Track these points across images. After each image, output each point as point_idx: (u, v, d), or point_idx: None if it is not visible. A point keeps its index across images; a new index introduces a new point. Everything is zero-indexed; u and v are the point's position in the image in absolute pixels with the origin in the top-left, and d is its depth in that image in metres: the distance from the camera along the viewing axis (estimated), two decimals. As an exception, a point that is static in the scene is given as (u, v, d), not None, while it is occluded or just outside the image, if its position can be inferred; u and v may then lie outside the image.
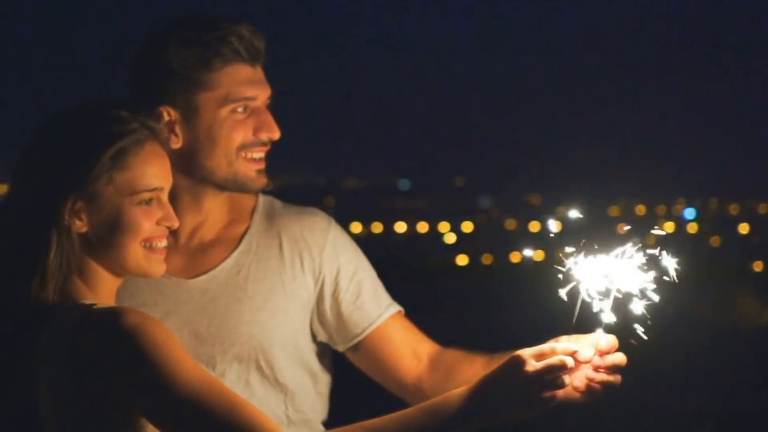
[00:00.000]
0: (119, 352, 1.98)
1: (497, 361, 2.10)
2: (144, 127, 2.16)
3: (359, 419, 2.07)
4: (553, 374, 1.97)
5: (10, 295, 2.09)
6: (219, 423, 1.95)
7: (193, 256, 2.43)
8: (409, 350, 2.51)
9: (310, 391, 2.49)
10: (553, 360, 1.98)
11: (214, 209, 2.44)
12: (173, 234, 2.36)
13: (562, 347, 2.01)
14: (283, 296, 2.43)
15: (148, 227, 2.15)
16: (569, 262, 2.12)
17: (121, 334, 1.98)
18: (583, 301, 2.08)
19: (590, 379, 2.07)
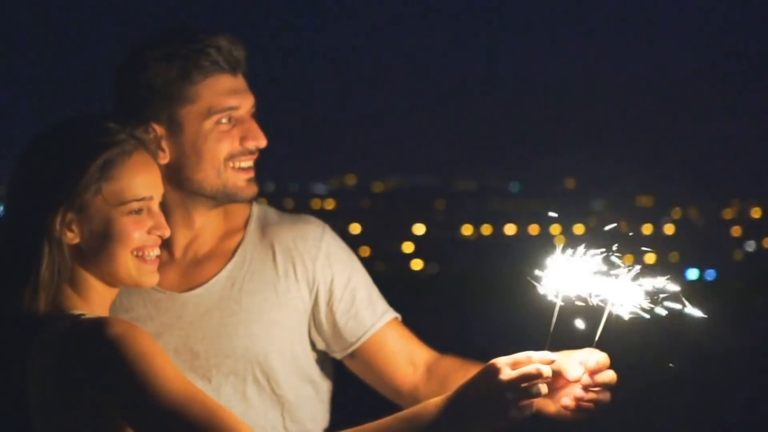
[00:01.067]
0: (103, 360, 1.99)
1: None
2: (132, 137, 2.16)
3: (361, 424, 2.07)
4: (529, 383, 1.94)
5: (3, 305, 2.12)
6: (199, 430, 1.96)
7: (187, 269, 2.42)
8: (405, 358, 2.48)
9: (312, 400, 2.48)
10: (528, 369, 1.94)
11: (206, 223, 2.42)
12: (168, 248, 2.38)
13: (538, 356, 1.97)
14: (277, 307, 2.41)
15: (139, 237, 2.15)
16: (547, 271, 2.07)
17: (105, 343, 1.99)
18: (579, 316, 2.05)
19: (579, 398, 2.05)
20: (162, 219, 2.19)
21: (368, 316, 2.46)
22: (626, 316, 2.03)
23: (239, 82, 2.39)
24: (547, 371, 1.94)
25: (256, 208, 2.51)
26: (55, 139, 2.16)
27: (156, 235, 2.18)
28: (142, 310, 2.37)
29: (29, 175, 2.14)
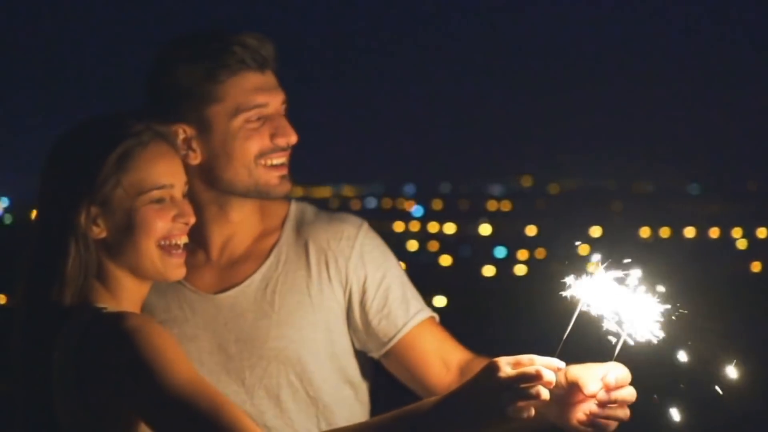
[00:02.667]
0: (116, 352, 2.03)
1: None
2: (148, 129, 2.19)
3: None
4: (528, 384, 1.90)
5: (32, 300, 2.17)
6: (203, 424, 1.97)
7: (223, 271, 2.43)
8: (438, 358, 2.44)
9: (351, 401, 2.47)
10: (528, 369, 1.90)
11: (242, 219, 2.42)
12: (205, 249, 2.40)
13: (542, 359, 1.93)
14: (310, 309, 2.40)
15: (162, 226, 2.18)
16: (572, 280, 2.03)
17: (120, 335, 2.03)
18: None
19: (593, 414, 2.01)
20: (186, 206, 2.22)
21: (401, 315, 2.44)
22: (645, 333, 1.97)
23: (268, 79, 2.38)
24: (549, 375, 1.91)
25: (293, 207, 2.50)
26: (75, 137, 2.21)
27: (181, 222, 2.20)
28: (178, 312, 2.39)
29: (53, 174, 2.20)
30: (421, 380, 2.46)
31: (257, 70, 2.35)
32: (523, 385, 1.90)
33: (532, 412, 1.91)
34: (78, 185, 2.16)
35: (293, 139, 2.38)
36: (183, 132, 2.33)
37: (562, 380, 2.08)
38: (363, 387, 2.50)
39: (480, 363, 2.39)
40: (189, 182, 2.32)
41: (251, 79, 2.34)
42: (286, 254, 2.43)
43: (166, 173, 2.19)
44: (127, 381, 2.02)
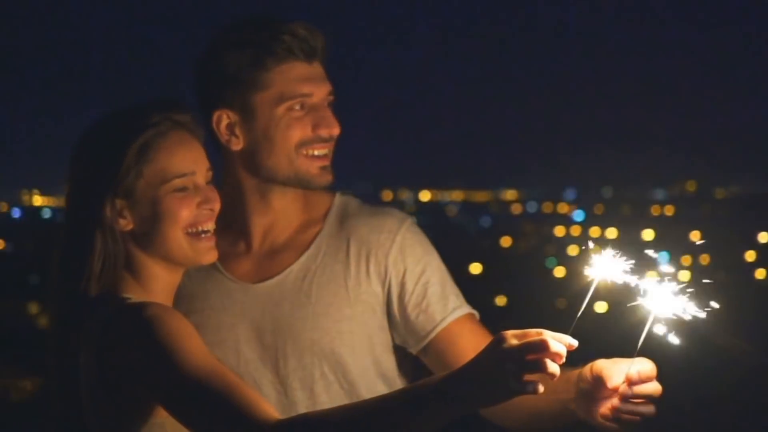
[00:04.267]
0: (134, 340, 2.06)
1: (569, 374, 2.03)
2: (167, 119, 2.21)
3: None
4: (534, 355, 1.81)
5: (63, 295, 2.21)
6: (217, 406, 1.98)
7: (263, 260, 2.42)
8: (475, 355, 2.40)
9: None
10: (533, 339, 1.82)
11: (284, 208, 2.42)
12: (245, 239, 2.41)
13: (552, 334, 1.85)
14: (347, 302, 2.38)
15: (188, 213, 2.19)
16: (594, 262, 1.99)
17: (138, 324, 2.06)
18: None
19: (615, 408, 1.98)
20: (211, 192, 2.24)
21: (439, 310, 2.41)
22: (668, 323, 1.91)
23: (314, 69, 2.38)
24: (557, 347, 1.83)
25: (338, 199, 2.50)
26: (96, 133, 2.24)
27: (206, 209, 2.22)
28: (216, 301, 2.40)
29: (78, 169, 2.23)
30: None
31: (304, 60, 2.37)
32: (528, 357, 1.83)
33: (540, 387, 1.83)
34: (101, 179, 2.20)
35: (336, 130, 2.39)
36: (227, 117, 2.36)
37: (588, 374, 2.07)
38: (399, 384, 2.47)
39: None
40: (231, 169, 2.38)
41: (297, 69, 2.36)
42: (326, 246, 2.44)
43: (187, 161, 2.22)
44: (145, 368, 2.06)
